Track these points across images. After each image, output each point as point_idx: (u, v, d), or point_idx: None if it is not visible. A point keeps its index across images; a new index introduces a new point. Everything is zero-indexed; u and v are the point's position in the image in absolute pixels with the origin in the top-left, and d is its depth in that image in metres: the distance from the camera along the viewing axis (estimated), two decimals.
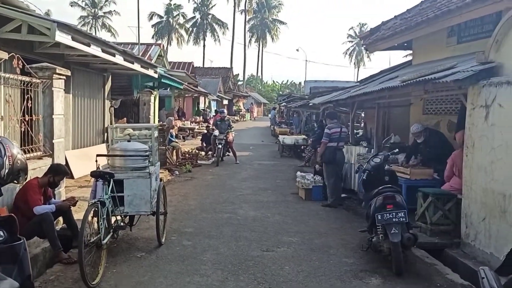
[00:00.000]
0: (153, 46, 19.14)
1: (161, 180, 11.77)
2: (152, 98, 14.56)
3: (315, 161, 15.77)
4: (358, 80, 56.59)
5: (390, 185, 5.82)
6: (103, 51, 9.18)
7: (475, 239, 6.05)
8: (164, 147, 13.86)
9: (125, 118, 13.15)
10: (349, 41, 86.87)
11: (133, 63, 11.51)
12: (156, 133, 6.88)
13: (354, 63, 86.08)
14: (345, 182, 10.30)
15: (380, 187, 5.70)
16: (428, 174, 7.71)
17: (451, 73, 6.49)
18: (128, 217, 6.34)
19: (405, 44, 12.13)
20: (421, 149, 8.21)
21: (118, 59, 10.37)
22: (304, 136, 19.42)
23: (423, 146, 8.16)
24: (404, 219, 5.35)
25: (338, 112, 15.18)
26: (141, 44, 19.57)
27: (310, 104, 20.59)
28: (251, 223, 7.83)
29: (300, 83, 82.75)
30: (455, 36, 9.76)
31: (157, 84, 16.89)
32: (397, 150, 6.95)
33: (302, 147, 19.16)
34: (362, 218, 8.23)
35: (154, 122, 16.43)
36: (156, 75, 13.81)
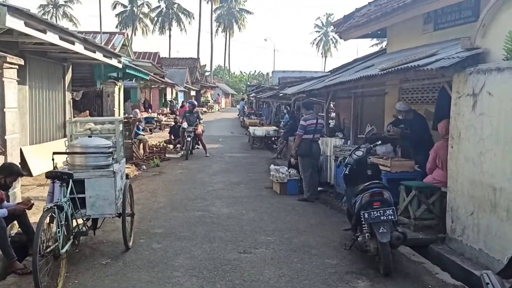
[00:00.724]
0: (117, 35, 18.27)
1: (127, 177, 11.28)
2: (116, 89, 13.82)
3: (288, 153, 15.52)
4: (326, 70, 56.86)
5: (377, 181, 5.44)
6: (61, 38, 8.47)
7: (462, 234, 5.76)
8: (130, 141, 13.19)
9: (87, 111, 12.41)
10: (316, 31, 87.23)
11: (94, 52, 10.79)
12: (120, 127, 6.29)
13: (321, 53, 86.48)
14: (321, 175, 9.94)
15: (366, 183, 5.32)
16: (409, 166, 7.41)
17: (434, 60, 6.16)
18: (91, 220, 5.77)
19: (379, 32, 11.84)
20: (402, 128, 7.97)
21: (78, 48, 9.64)
22: (275, 128, 19.03)
23: (405, 126, 7.91)
24: (393, 217, 5.00)
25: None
26: (104, 32, 18.66)
27: (281, 94, 20.18)
28: (225, 221, 7.36)
29: (268, 73, 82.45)
30: (431, 23, 9.50)
31: (121, 74, 16.12)
32: (379, 142, 6.61)
33: (273, 138, 18.78)
34: (341, 213, 7.93)
35: (119, 114, 15.69)
36: (120, 65, 13.08)
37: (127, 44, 18.56)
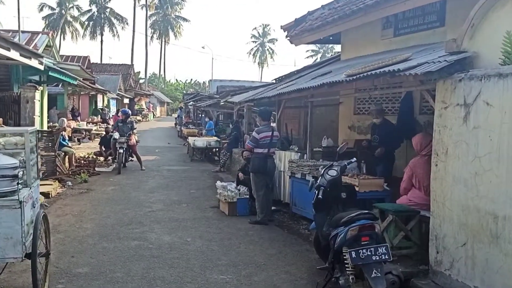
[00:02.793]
0: (40, 34, 16.33)
1: (47, 197, 9.66)
2: (37, 94, 12.10)
3: (232, 166, 14.40)
4: (263, 80, 56.64)
5: (366, 211, 4.45)
6: None
7: (451, 267, 4.92)
8: (53, 153, 11.51)
9: (0, 119, 10.60)
10: (253, 41, 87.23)
11: (9, 50, 9.12)
12: (33, 140, 4.90)
13: (258, 63, 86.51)
14: (273, 192, 8.91)
15: (354, 213, 4.30)
16: (379, 185, 6.56)
17: (416, 64, 5.32)
18: None
19: (331, 38, 11.11)
20: (375, 136, 7.26)
21: None
22: (216, 138, 17.85)
23: (378, 132, 7.19)
24: (387, 257, 4.02)
25: (253, 112, 13.94)
26: (24, 32, 16.66)
27: (222, 103, 19.10)
28: (167, 254, 6.10)
29: (204, 82, 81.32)
30: (391, 28, 8.85)
31: (45, 78, 14.28)
32: (354, 159, 5.68)
33: (215, 150, 17.61)
34: (301, 238, 6.98)
35: (41, 123, 13.87)
36: (41, 67, 11.37)
37: (51, 44, 16.65)
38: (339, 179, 5.11)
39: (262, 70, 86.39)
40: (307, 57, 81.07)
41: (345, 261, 4.13)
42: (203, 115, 28.90)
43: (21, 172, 4.31)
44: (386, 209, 5.61)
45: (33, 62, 10.85)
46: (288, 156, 8.70)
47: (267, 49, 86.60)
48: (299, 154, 8.53)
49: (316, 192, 4.99)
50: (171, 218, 8.18)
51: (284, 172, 8.86)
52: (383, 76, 5.66)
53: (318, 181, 5.08)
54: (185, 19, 76.97)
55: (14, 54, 9.51)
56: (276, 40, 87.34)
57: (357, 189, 6.38)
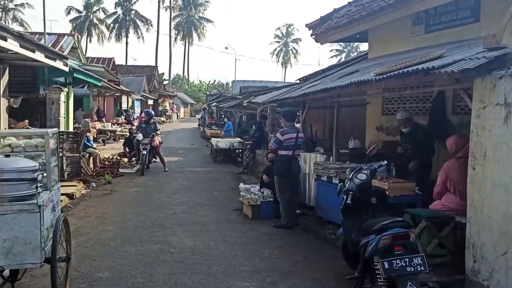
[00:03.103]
0: (66, 36, 16.46)
1: (72, 198, 9.64)
2: (62, 96, 12.11)
3: (255, 167, 14.21)
4: (286, 80, 56.27)
5: (400, 218, 4.19)
6: None
7: (490, 278, 4.61)
8: (78, 154, 11.53)
9: (26, 121, 10.66)
10: (276, 42, 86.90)
11: (34, 52, 9.12)
12: (54, 142, 4.80)
13: (281, 64, 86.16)
14: (298, 196, 8.67)
15: (386, 221, 4.05)
16: (410, 189, 6.25)
17: (452, 61, 5.02)
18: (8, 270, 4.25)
19: (357, 36, 10.80)
20: (407, 145, 6.92)
21: (12, 45, 7.99)
22: (239, 139, 17.69)
23: (410, 141, 6.86)
24: (423, 268, 3.75)
25: (277, 113, 13.72)
26: (50, 34, 16.85)
27: (245, 104, 18.93)
28: (189, 259, 5.94)
29: (227, 83, 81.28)
30: (422, 25, 8.51)
31: (70, 80, 14.37)
32: (385, 162, 5.42)
33: (238, 151, 17.45)
34: (327, 243, 6.73)
35: (67, 124, 13.95)
36: (66, 68, 11.38)
37: (77, 46, 16.77)
38: (369, 183, 4.86)
39: (285, 70, 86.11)
40: (331, 56, 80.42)
41: (377, 271, 3.88)
42: (223, 116, 28.86)
43: (41, 175, 4.20)
44: (418, 215, 5.32)
45: (58, 64, 10.87)
46: (314, 158, 8.44)
47: (291, 49, 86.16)
48: (324, 156, 8.27)
49: (345, 197, 4.75)
50: (194, 221, 8.03)
51: (309, 175, 8.61)
52: (415, 74, 5.36)
53: (347, 185, 4.82)
54: (208, 20, 77.27)
55: (39, 56, 9.51)
56: (300, 40, 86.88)
57: (386, 193, 6.12)
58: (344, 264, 5.55)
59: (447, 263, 5.33)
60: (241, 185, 9.16)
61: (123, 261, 5.80)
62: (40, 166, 4.32)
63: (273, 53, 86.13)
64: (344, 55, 77.66)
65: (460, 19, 7.70)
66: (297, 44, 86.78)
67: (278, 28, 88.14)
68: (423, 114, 8.57)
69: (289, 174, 7.57)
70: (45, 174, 4.38)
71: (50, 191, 4.46)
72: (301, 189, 8.67)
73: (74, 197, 9.73)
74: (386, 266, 3.73)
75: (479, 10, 7.31)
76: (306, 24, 10.49)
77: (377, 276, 3.89)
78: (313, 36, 10.41)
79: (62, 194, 9.33)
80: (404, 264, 3.70)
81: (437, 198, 5.83)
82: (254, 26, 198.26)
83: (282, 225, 7.56)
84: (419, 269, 3.73)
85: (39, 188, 4.08)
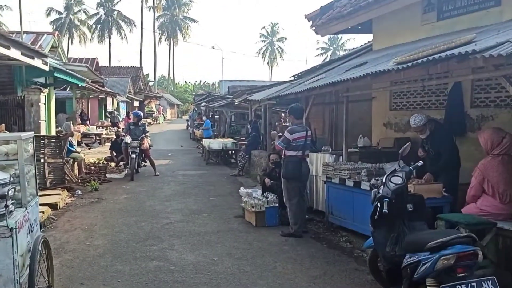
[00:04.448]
0: (45, 35, 15.49)
1: (55, 208, 8.80)
2: (42, 97, 11.23)
3: (251, 169, 13.48)
4: (273, 79, 55.57)
5: (465, 234, 3.49)
6: None
7: None
8: (61, 160, 10.67)
9: (3, 125, 9.76)
10: (262, 41, 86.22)
11: (9, 48, 8.28)
12: (29, 149, 4.00)
13: (267, 63, 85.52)
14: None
15: (448, 237, 3.35)
16: (436, 191, 5.56)
17: (485, 47, 4.33)
18: None
19: (359, 27, 10.13)
20: (428, 150, 6.19)
21: None
22: (232, 140, 16.92)
23: (430, 144, 6.14)
24: None
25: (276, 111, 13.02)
26: (29, 32, 15.90)
27: (237, 103, 18.18)
28: (192, 278, 5.17)
29: (213, 83, 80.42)
30: (433, 11, 7.86)
31: (52, 80, 13.48)
32: (421, 162, 4.72)
33: (231, 152, 16.70)
34: (345, 254, 6.05)
35: (48, 128, 13.04)
36: (46, 67, 10.53)
37: (57, 45, 15.83)
38: (405, 187, 4.15)
39: (272, 69, 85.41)
40: (317, 55, 79.95)
41: None
42: (201, 114, 28.26)
43: (13, 190, 3.41)
44: (456, 221, 4.62)
45: (37, 62, 10.01)
46: (322, 159, 7.73)
47: (277, 48, 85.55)
48: (334, 156, 7.55)
49: (378, 204, 4.02)
50: (192, 231, 7.26)
51: (317, 177, 7.91)
52: (448, 60, 4.68)
53: (381, 191, 4.10)
54: (193, 20, 76.20)
55: (14, 53, 8.65)
56: (286, 38, 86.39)
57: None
58: (370, 279, 4.87)
59: (489, 275, 4.64)
60: (242, 190, 8.44)
61: (116, 283, 5.02)
62: (12, 179, 3.53)
63: (259, 52, 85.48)
64: (330, 53, 77.29)
65: (478, 3, 7.06)
66: (282, 43, 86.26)
67: (264, 27, 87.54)
68: (437, 108, 7.94)
69: (299, 177, 6.84)
70: (18, 188, 3.59)
71: (26, 208, 3.67)
72: (307, 192, 7.95)
73: (58, 207, 8.90)
74: None
75: None
76: (305, 15, 9.78)
77: None
78: (313, 28, 9.71)
79: (44, 205, 8.51)
80: None
81: (471, 201, 5.14)
82: (239, 26, 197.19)
83: (291, 233, 6.84)
84: None
85: (10, 206, 3.29)
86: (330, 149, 8.23)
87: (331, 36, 78.81)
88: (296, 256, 5.95)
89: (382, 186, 4.12)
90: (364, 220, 6.36)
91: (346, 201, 6.71)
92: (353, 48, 12.20)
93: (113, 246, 6.45)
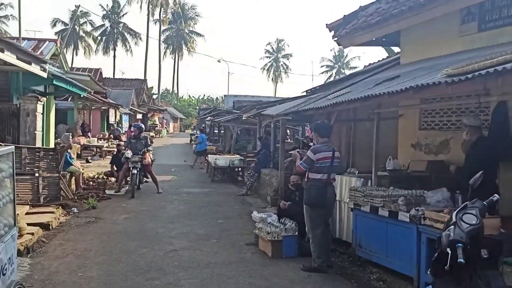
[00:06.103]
0: (47, 42, 14.78)
1: (47, 228, 7.80)
2: (39, 106, 10.46)
3: (261, 189, 12.58)
4: (277, 95, 54.96)
5: None
6: None
7: None
8: (57, 174, 9.84)
9: None
10: (267, 57, 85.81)
11: (2, 51, 7.53)
12: (6, 167, 3.17)
13: (272, 79, 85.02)
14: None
15: None
16: (494, 226, 4.67)
17: None
18: None
19: (384, 39, 9.38)
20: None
21: None
22: (239, 157, 16.09)
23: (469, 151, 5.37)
24: None
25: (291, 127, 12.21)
26: (30, 39, 15.22)
27: (244, 118, 17.40)
28: None
29: (217, 98, 79.84)
30: (474, 22, 7.09)
31: (52, 89, 12.73)
32: (497, 196, 3.88)
33: (238, 169, 15.85)
34: None
35: (46, 139, 12.24)
36: (44, 74, 9.79)
37: (59, 52, 15.12)
38: (481, 229, 3.30)
39: (276, 85, 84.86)
40: (322, 72, 79.43)
41: None
42: (203, 128, 27.54)
43: None
44: None
45: (34, 68, 9.25)
46: (347, 182, 6.88)
47: (281, 65, 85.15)
48: (362, 179, 6.69)
49: (449, 251, 3.16)
50: (200, 261, 6.37)
51: (341, 202, 7.05)
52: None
53: (452, 234, 3.24)
54: (198, 34, 75.90)
55: (9, 57, 7.92)
56: (291, 55, 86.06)
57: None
58: None
59: None
60: (255, 214, 7.60)
61: None
62: None
63: (264, 68, 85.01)
64: (334, 70, 76.88)
65: None
66: (287, 59, 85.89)
67: (269, 43, 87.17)
68: None
69: (324, 204, 5.98)
70: None
71: (3, 243, 2.82)
72: (331, 220, 7.07)
73: (50, 227, 8.03)
74: None
75: None
76: (326, 25, 9.02)
77: None
78: (335, 39, 8.93)
79: (35, 225, 7.64)
80: None
81: None
82: (245, 41, 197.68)
83: (315, 267, 5.94)
84: None
85: None
86: (357, 171, 7.35)
87: (336, 53, 79.00)
88: None
89: (454, 227, 3.26)
90: (401, 257, 5.52)
91: (379, 233, 5.85)
92: (373, 63, 11.43)
93: (109, 279, 5.57)
